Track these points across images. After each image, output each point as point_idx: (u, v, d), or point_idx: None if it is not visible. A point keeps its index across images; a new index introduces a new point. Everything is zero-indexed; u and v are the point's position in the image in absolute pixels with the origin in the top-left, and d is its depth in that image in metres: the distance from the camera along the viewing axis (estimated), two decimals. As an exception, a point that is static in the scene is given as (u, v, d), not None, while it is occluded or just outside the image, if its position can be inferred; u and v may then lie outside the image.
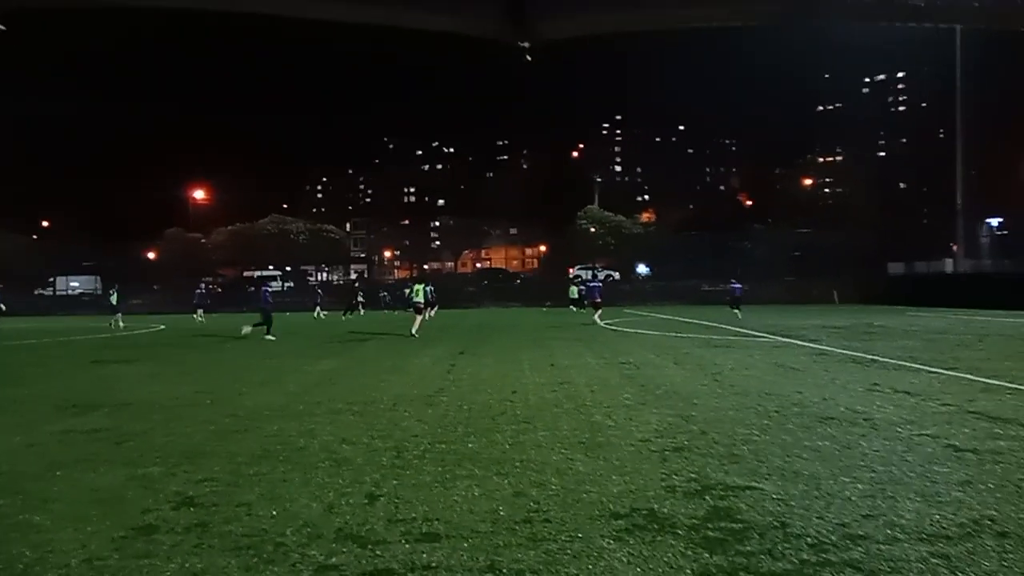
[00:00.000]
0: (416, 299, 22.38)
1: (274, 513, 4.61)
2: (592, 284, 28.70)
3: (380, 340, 20.50)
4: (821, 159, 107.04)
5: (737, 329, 22.24)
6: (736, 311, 30.43)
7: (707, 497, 4.81)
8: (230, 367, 14.07)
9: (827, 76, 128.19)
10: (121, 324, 31.45)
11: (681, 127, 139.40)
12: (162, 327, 31.21)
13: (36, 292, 69.36)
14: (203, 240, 79.06)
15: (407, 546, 4.00)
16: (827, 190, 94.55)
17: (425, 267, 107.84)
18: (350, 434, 7.05)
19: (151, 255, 77.75)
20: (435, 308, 25.12)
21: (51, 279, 74.19)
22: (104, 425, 7.75)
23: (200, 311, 38.94)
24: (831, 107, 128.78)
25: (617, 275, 59.97)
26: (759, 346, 16.33)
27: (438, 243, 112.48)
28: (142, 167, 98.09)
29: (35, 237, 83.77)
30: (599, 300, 27.68)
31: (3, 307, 31.93)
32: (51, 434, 7.32)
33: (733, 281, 33.20)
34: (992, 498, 4.69)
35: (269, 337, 21.09)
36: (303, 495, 5.01)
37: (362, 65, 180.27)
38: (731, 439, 6.54)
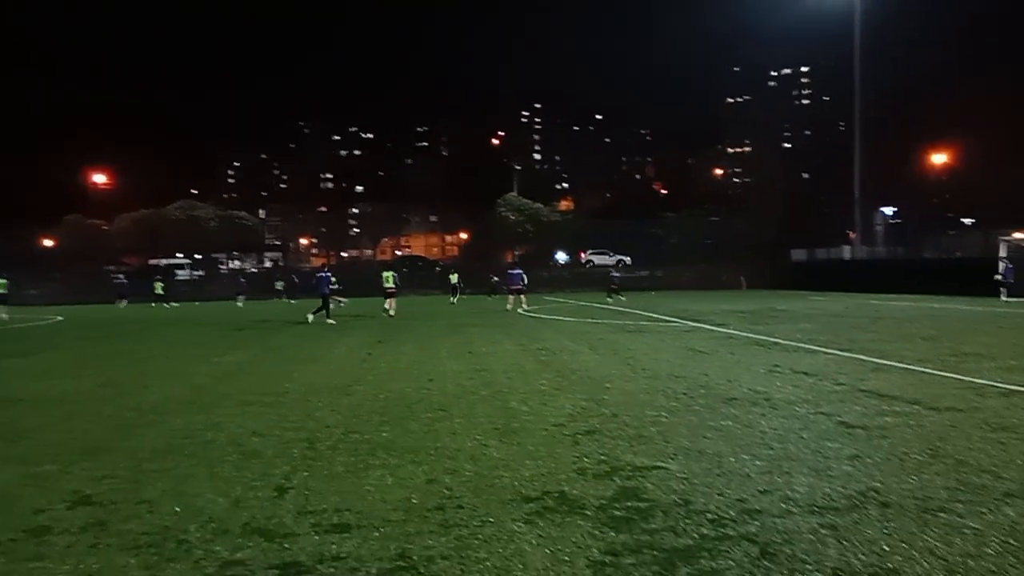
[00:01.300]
0: (387, 285, 24.56)
1: (177, 509, 4.47)
2: (513, 272, 28.91)
3: (296, 329, 20.04)
4: (731, 149, 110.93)
5: (650, 314, 22.85)
6: (612, 298, 33.56)
7: (616, 478, 4.95)
8: (135, 359, 13.47)
9: (736, 69, 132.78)
10: (5, 316, 28.69)
11: (599, 116, 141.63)
12: (59, 318, 29.54)
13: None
14: (105, 227, 75.15)
15: (316, 538, 3.95)
16: (736, 180, 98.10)
17: (343, 255, 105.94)
18: (260, 426, 6.90)
19: (48, 242, 73.26)
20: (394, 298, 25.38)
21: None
22: (-7, 423, 7.30)
23: (124, 301, 38.05)
24: (740, 99, 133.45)
25: (628, 259, 59.63)
26: (670, 331, 16.84)
27: (356, 230, 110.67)
28: (38, 147, 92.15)
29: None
30: (520, 287, 27.89)
31: None
32: (-68, 434, 6.85)
33: (613, 271, 37.51)
34: (878, 471, 5.01)
35: (330, 321, 21.46)
36: (209, 490, 4.87)
37: (279, 45, 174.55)
38: (641, 421, 6.74)
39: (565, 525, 4.06)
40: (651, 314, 23.14)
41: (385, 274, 24.97)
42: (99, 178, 77.71)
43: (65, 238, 72.68)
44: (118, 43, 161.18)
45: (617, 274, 37.58)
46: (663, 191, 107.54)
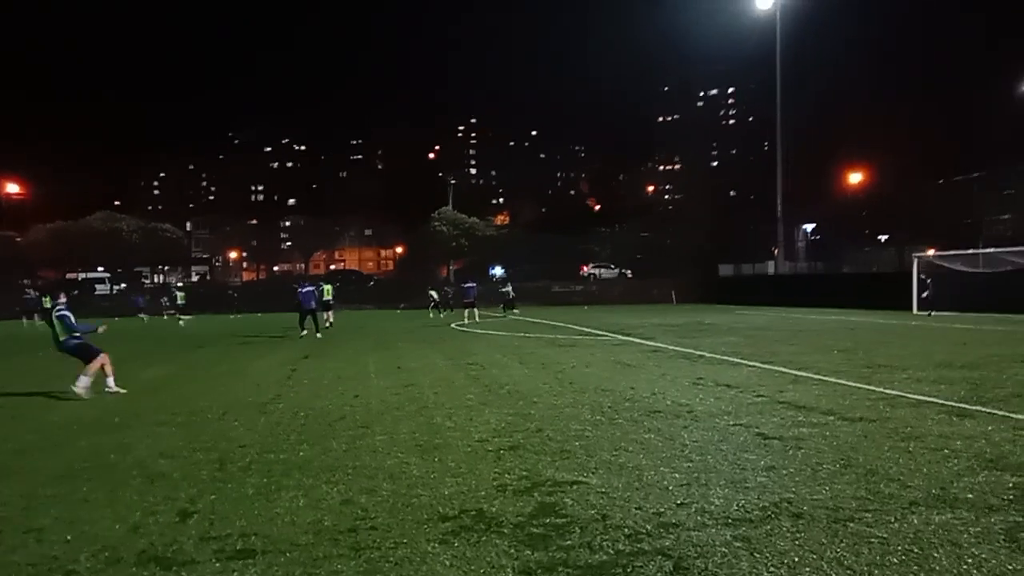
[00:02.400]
0: (326, 297, 25.17)
1: (68, 538, 4.19)
2: (467, 286, 29.57)
3: (218, 344, 19.38)
4: (661, 167, 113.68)
5: (582, 328, 23.03)
6: (511, 311, 35.47)
7: (536, 494, 4.89)
8: (39, 377, 12.73)
9: (665, 89, 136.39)
10: None
11: (534, 132, 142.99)
12: (-37, 335, 27.80)
13: None
14: (18, 239, 71.48)
15: (218, 564, 3.75)
16: (667, 196, 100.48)
17: (275, 269, 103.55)
18: (169, 447, 6.58)
19: (-46, 254, 69.13)
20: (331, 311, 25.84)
21: None
22: None
23: (36, 316, 35.54)
24: (670, 118, 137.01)
25: (629, 272, 59.64)
26: (600, 344, 16.99)
27: (288, 244, 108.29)
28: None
29: None
30: (472, 301, 28.55)
31: None
32: None
33: (508, 284, 39.09)
34: (792, 482, 5.10)
35: (303, 333, 21.30)
36: (106, 516, 4.59)
37: (210, 53, 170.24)
38: (565, 435, 6.71)
39: (481, 544, 3.97)
40: (583, 328, 23.33)
41: (325, 287, 25.84)
42: (11, 187, 73.93)
43: (-29, 250, 68.79)
44: (38, 47, 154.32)
45: (504, 288, 38.41)
46: (596, 206, 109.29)
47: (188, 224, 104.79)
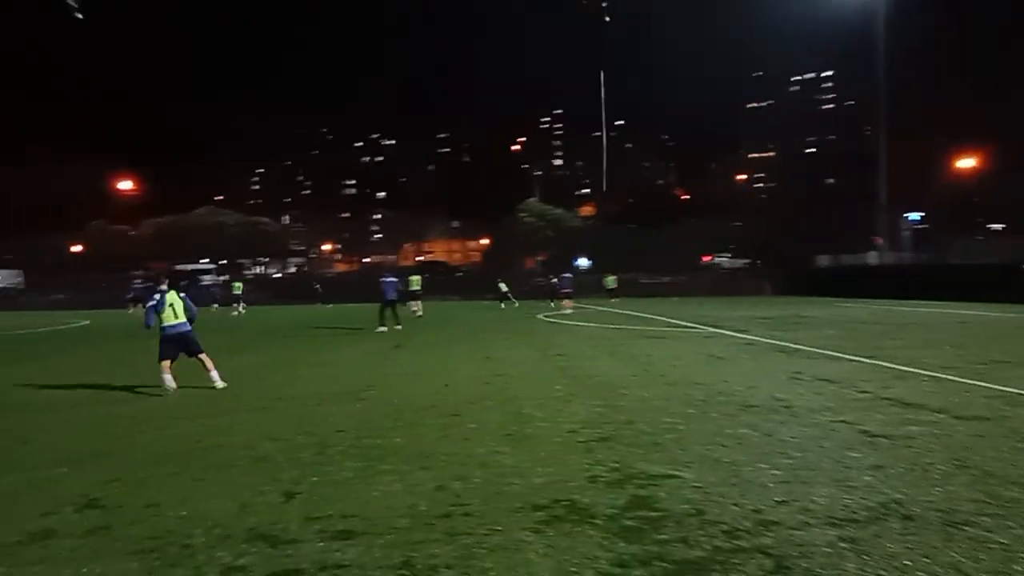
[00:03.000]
0: (414, 288, 26.60)
1: (183, 514, 4.43)
2: (564, 276, 30.27)
3: (312, 332, 20.10)
4: (752, 155, 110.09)
5: (671, 320, 22.63)
6: (552, 303, 34.90)
7: (628, 486, 4.83)
8: (149, 364, 13.52)
9: (759, 74, 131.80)
10: None
11: (620, 121, 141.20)
12: (86, 323, 29.94)
13: (-51, 287, 65.69)
14: (131, 232, 76.26)
15: (320, 544, 3.89)
16: (759, 185, 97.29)
17: (366, 260, 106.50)
18: (273, 431, 6.86)
19: (76, 248, 74.52)
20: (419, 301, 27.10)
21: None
22: (6, 426, 7.35)
23: (140, 305, 37.84)
24: (762, 104, 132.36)
25: (745, 261, 59.14)
26: (691, 337, 16.64)
27: (379, 236, 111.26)
28: (66, 155, 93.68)
29: (-53, 229, 79.32)
30: (570, 291, 29.01)
31: None
32: (-51, 436, 6.90)
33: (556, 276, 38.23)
34: (900, 482, 4.85)
35: (382, 328, 19.82)
36: (216, 494, 4.83)
37: (301, 54, 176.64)
38: (656, 428, 6.61)
39: (574, 535, 3.95)
40: (672, 320, 22.91)
41: (412, 277, 27.15)
42: (124, 184, 78.85)
43: (91, 244, 73.88)
44: (144, 54, 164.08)
45: (554, 279, 38.35)
46: (684, 196, 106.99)
47: (285, 218, 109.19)
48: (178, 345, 9.72)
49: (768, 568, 3.49)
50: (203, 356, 9.88)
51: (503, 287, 39.09)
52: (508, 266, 67.98)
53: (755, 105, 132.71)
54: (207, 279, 69.15)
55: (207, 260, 77.61)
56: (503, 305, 36.89)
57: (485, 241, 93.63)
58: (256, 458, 5.82)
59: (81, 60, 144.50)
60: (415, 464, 5.52)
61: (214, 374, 9.78)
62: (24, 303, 60.40)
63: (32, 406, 8.63)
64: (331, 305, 42.38)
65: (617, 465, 5.36)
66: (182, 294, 9.98)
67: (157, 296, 9.76)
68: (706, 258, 63.48)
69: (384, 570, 3.53)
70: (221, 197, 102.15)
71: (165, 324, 9.66)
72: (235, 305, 37.94)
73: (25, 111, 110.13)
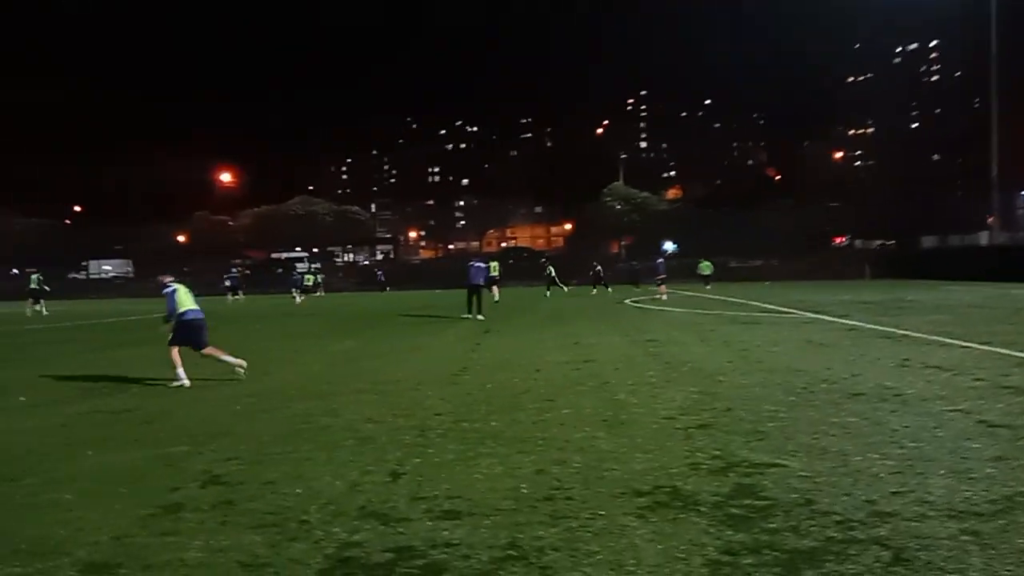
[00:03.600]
0: (492, 274, 26.77)
1: (298, 491, 4.65)
2: (658, 261, 30.10)
3: (403, 320, 20.60)
4: (851, 131, 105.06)
5: (764, 305, 21.99)
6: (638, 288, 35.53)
7: (731, 474, 4.75)
8: (253, 347, 14.22)
9: (857, 46, 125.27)
10: (30, 312, 29.08)
11: (708, 101, 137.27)
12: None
13: (70, 276, 70.65)
14: (230, 222, 79.89)
15: (429, 523, 4.00)
16: (858, 163, 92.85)
17: (450, 247, 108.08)
18: (373, 413, 7.09)
19: (180, 238, 78.78)
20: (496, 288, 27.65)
21: (84, 263, 75.64)
22: (131, 406, 7.88)
23: (239, 293, 39.89)
24: (861, 78, 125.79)
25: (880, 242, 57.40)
26: (787, 322, 16.13)
27: (463, 223, 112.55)
28: (168, 150, 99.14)
29: (67, 222, 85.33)
30: (664, 276, 29.64)
31: (47, 288, 32.46)
32: (78, 414, 7.46)
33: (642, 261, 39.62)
34: (1027, 475, 4.57)
35: (479, 317, 19.29)
36: (327, 473, 5.04)
37: (387, 46, 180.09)
38: (757, 416, 6.45)
39: (679, 521, 3.92)
40: (765, 305, 22.27)
41: (491, 263, 27.05)
42: (224, 176, 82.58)
43: (193, 233, 77.92)
44: (230, 48, 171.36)
45: (637, 265, 37.80)
46: (776, 177, 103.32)
47: (373, 206, 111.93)
48: (192, 332, 9.57)
49: (886, 560, 3.37)
50: (210, 350, 9.61)
51: (551, 271, 38.16)
52: (593, 250, 67.51)
53: (853, 79, 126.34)
54: (300, 267, 71.79)
55: (300, 248, 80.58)
56: (547, 292, 35.73)
57: (568, 226, 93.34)
58: (361, 439, 6.04)
59: (185, 59, 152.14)
60: (513, 448, 5.59)
61: (180, 371, 9.28)
62: (133, 290, 64.36)
63: (152, 388, 9.21)
64: (388, 291, 43.25)
65: (719, 453, 5.27)
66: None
67: (171, 288, 9.73)
68: (839, 239, 60.42)
69: (492, 549, 3.60)
70: (312, 188, 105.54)
71: (184, 310, 9.60)
72: (315, 294, 39.58)
73: (132, 108, 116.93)
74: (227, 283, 41.57)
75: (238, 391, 8.64)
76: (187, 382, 9.20)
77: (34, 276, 31.97)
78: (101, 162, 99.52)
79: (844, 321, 15.83)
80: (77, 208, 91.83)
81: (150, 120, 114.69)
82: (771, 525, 3.83)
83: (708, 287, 37.06)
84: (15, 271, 32.24)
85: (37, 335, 19.16)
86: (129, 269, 76.39)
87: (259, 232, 77.52)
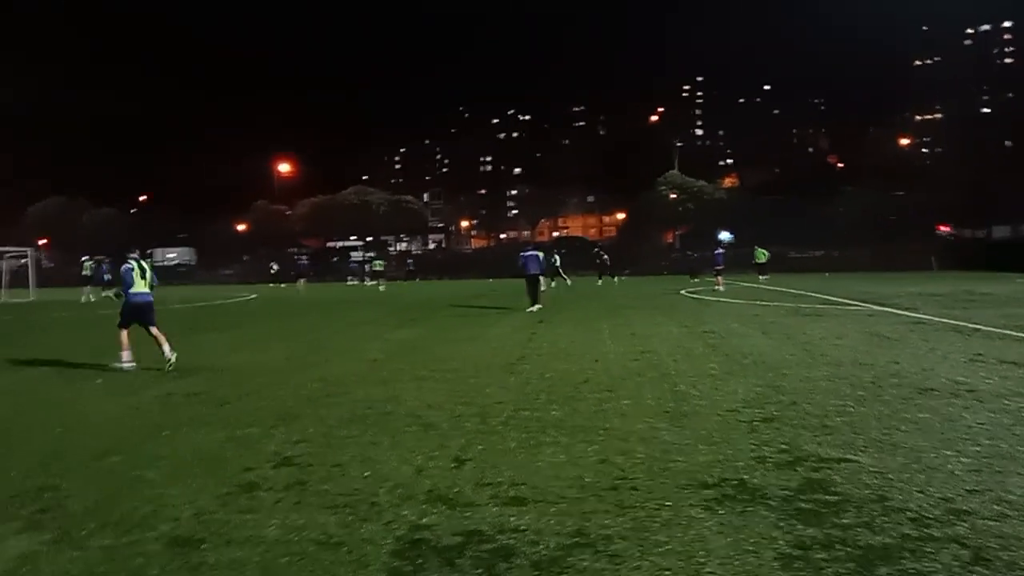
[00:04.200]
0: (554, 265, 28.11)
1: (366, 474, 4.76)
2: (717, 252, 29.69)
3: (458, 309, 20.78)
4: (918, 117, 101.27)
5: (826, 297, 21.46)
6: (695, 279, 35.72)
7: (799, 468, 4.68)
8: (316, 335, 14.57)
9: (924, 28, 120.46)
10: (92, 298, 30.10)
11: (766, 87, 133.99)
12: (253, 296, 32.54)
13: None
14: (288, 211, 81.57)
15: (495, 509, 4.06)
16: (925, 150, 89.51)
17: (502, 236, 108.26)
18: (435, 400, 7.19)
19: (240, 227, 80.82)
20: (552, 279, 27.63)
21: (148, 251, 78.28)
22: (202, 389, 8.16)
23: (302, 281, 41.03)
24: (928, 61, 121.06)
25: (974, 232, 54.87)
26: (851, 315, 15.71)
27: (515, 212, 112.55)
28: (228, 142, 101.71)
29: (133, 211, 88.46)
30: (722, 267, 29.06)
31: (109, 277, 33.96)
32: (154, 397, 7.76)
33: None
34: (1114, 476, 4.38)
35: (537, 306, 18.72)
36: (393, 458, 5.15)
37: (438, 34, 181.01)
38: (823, 410, 6.33)
39: (748, 514, 3.89)
40: (827, 296, 21.73)
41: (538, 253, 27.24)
42: (283, 167, 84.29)
43: (253, 222, 79.85)
44: (286, 41, 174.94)
45: (693, 255, 37.05)
46: (839, 164, 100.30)
47: (425, 195, 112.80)
48: (139, 313, 9.80)
49: (965, 559, 3.29)
50: (155, 331, 9.79)
51: (556, 260, 35.19)
52: (646, 240, 66.80)
53: (921, 63, 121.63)
54: (356, 256, 72.96)
55: (355, 237, 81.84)
56: (553, 283, 32.55)
57: (621, 216, 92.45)
58: (423, 425, 6.14)
59: (248, 53, 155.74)
60: (576, 437, 5.61)
61: (166, 348, 9.59)
62: (197, 278, 66.45)
63: (220, 372, 9.52)
64: (383, 287, 43.59)
65: (786, 447, 5.19)
66: (148, 264, 10.22)
67: (129, 265, 9.92)
68: (943, 227, 57.77)
69: (559, 536, 3.64)
70: (367, 177, 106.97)
71: (133, 292, 9.85)
72: (376, 282, 40.24)
73: (194, 101, 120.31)
74: (296, 270, 43.17)
75: (304, 377, 8.86)
76: (131, 365, 9.48)
77: (87, 263, 33.57)
78: (167, 153, 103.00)
79: (911, 314, 15.34)
80: (142, 197, 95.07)
81: (213, 112, 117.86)
82: (843, 521, 3.77)
83: (763, 277, 35.94)
84: (85, 258, 34.13)
85: (108, 321, 19.96)
86: (192, 257, 78.86)
87: (315, 221, 78.97)
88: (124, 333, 9.74)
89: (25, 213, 78.28)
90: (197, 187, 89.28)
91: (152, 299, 10.07)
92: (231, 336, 14.75)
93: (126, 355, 9.61)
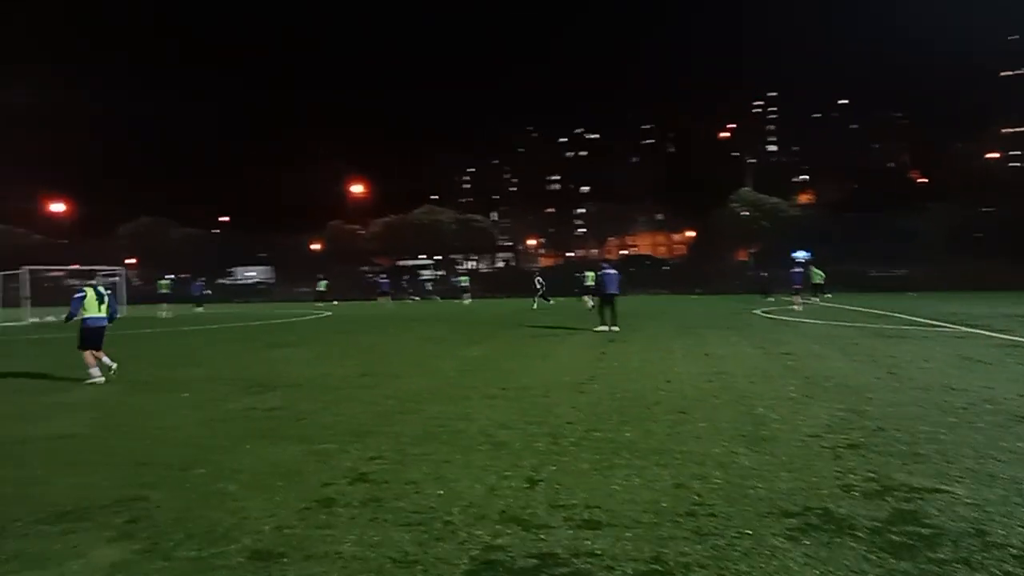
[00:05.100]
0: (587, 283, 28.26)
1: (440, 492, 4.78)
2: (794, 271, 29.31)
3: (527, 329, 20.78)
4: (1007, 130, 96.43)
5: (910, 317, 20.55)
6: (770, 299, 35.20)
7: (889, 498, 4.46)
8: (388, 351, 14.80)
9: (1012, 38, 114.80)
10: (167, 314, 31.94)
11: (843, 100, 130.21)
12: (328, 313, 33.36)
13: (217, 281, 76.22)
14: (360, 231, 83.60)
15: (570, 532, 4.01)
16: (1016, 164, 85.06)
17: (569, 254, 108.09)
18: (506, 419, 7.19)
19: (315, 246, 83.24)
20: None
21: (230, 269, 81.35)
22: (280, 404, 8.38)
23: (387, 298, 42.45)
24: (1019, 71, 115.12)
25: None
26: (938, 336, 14.99)
27: (583, 230, 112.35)
28: (304, 163, 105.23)
29: (215, 231, 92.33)
30: (800, 287, 28.85)
31: (209, 292, 35.64)
32: (235, 411, 8.01)
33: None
34: None
35: (601, 328, 17.93)
36: (465, 476, 5.15)
37: (505, 53, 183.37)
38: (913, 437, 6.03)
39: (834, 545, 3.72)
40: (911, 317, 20.80)
41: (587, 273, 28.68)
42: (356, 187, 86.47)
43: (328, 241, 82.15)
44: (359, 67, 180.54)
45: (765, 274, 36.11)
46: (921, 180, 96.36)
47: (494, 214, 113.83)
48: (94, 336, 10.62)
49: (1079, 604, 3.06)
50: (101, 355, 10.61)
51: (539, 282, 35.85)
52: (718, 258, 65.53)
53: (1009, 73, 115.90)
54: (426, 274, 74.01)
55: (424, 256, 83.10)
56: (535, 305, 33.25)
57: (691, 233, 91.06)
58: (495, 444, 6.14)
59: (325, 75, 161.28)
60: (650, 460, 5.51)
61: (95, 371, 10.37)
62: (275, 295, 68.67)
63: (298, 388, 9.76)
64: (469, 300, 43.88)
65: (873, 475, 4.96)
66: (108, 292, 11.10)
67: (81, 293, 10.75)
68: None
69: (636, 563, 3.56)
70: (436, 196, 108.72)
71: (87, 316, 10.64)
72: (463, 296, 41.36)
73: (270, 124, 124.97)
74: (380, 288, 44.61)
75: (377, 394, 9.00)
76: (101, 379, 10.27)
77: (162, 282, 35.24)
78: (248, 175, 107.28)
79: (1005, 336, 14.52)
80: (224, 218, 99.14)
81: (291, 135, 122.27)
82: (939, 555, 3.57)
83: (819, 297, 34.81)
84: (170, 276, 36.01)
85: (192, 336, 20.79)
86: (271, 275, 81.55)
87: (386, 240, 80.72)
88: (87, 353, 10.51)
89: (114, 233, 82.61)
90: (275, 207, 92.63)
91: (106, 324, 10.92)
92: (307, 351, 15.13)
93: (95, 371, 10.40)
